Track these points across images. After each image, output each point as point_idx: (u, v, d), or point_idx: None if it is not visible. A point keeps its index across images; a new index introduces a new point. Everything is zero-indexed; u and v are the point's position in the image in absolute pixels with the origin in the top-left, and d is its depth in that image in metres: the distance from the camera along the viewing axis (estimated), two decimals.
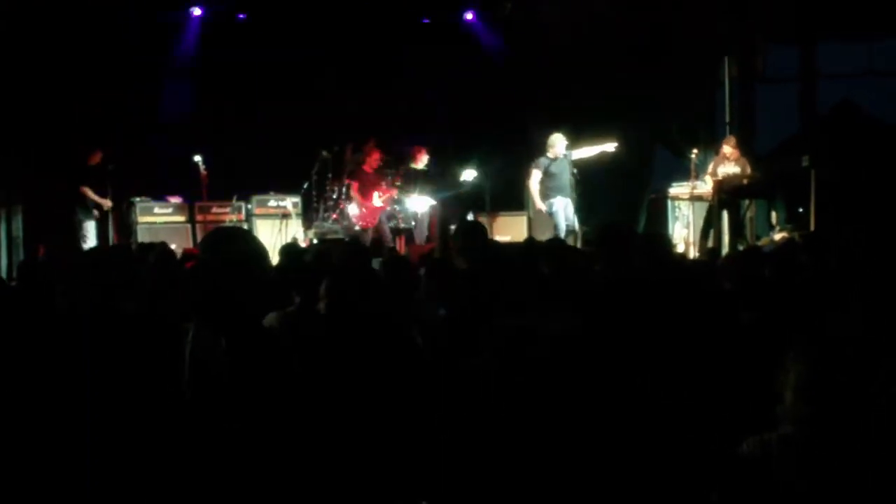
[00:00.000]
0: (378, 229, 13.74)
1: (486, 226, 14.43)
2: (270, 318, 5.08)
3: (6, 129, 13.94)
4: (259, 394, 3.18)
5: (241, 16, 15.42)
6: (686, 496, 3.69)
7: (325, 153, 14.54)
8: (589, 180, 14.06)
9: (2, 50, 13.88)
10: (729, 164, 13.62)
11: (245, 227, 14.01)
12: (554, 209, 13.23)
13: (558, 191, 13.32)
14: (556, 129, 13.63)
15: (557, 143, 13.43)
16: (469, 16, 16.06)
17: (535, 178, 13.42)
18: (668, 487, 3.80)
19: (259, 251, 3.49)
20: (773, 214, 14.17)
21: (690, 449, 3.75)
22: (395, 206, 14.02)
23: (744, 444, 3.29)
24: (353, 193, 13.96)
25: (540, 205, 13.38)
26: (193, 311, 3.37)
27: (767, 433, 3.29)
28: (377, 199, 13.82)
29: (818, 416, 3.19)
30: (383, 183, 13.95)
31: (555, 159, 13.38)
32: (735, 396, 4.10)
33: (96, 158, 13.67)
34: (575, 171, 13.49)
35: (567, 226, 13.15)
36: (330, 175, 14.65)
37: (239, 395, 3.16)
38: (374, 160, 13.95)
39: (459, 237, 6.17)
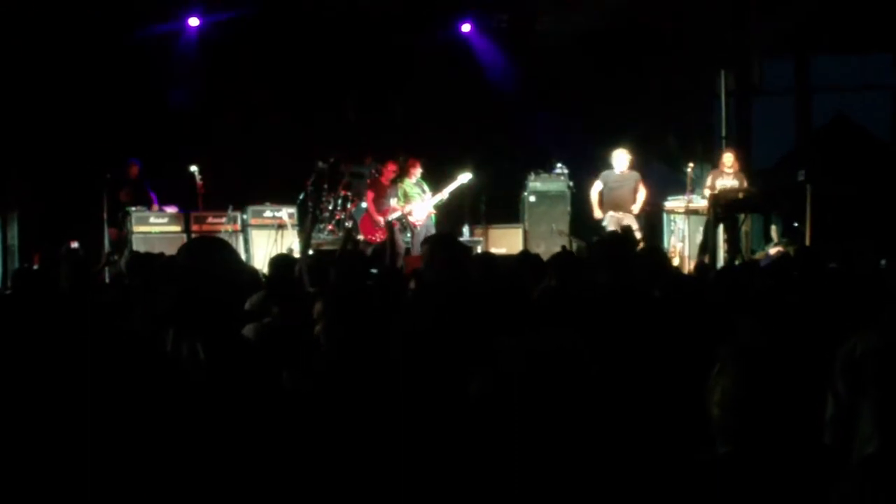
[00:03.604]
0: (392, 241, 13.68)
1: (482, 238, 14.57)
2: (247, 330, 5.06)
3: (2, 136, 13.97)
4: (236, 402, 3.17)
5: (234, 17, 15.38)
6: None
7: (320, 164, 14.54)
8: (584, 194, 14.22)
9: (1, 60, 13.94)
10: (727, 177, 13.62)
11: (241, 237, 14.05)
12: (604, 223, 13.57)
13: (611, 206, 13.70)
14: (557, 142, 13.76)
15: (616, 158, 13.76)
16: (466, 27, 16.08)
17: (595, 188, 13.85)
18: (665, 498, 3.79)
19: (238, 261, 3.48)
20: (773, 228, 14.17)
21: (680, 461, 3.75)
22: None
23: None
24: (369, 204, 13.95)
25: (598, 214, 13.80)
26: (172, 316, 3.33)
27: (706, 454, 3.27)
28: (391, 215, 13.82)
29: (746, 429, 3.18)
30: (392, 196, 13.93)
31: (618, 173, 13.74)
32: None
33: (134, 171, 13.89)
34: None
35: None
36: (326, 186, 14.64)
37: (215, 401, 3.14)
38: (389, 171, 13.96)
39: (427, 249, 6.03)
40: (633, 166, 13.90)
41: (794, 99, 16.76)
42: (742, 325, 4.74)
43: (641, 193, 13.79)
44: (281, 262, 6.93)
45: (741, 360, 3.30)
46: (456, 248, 5.99)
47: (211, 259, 3.38)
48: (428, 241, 6.37)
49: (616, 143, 14.04)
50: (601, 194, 13.83)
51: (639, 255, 6.13)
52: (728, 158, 13.79)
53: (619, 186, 13.76)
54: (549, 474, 3.52)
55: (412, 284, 5.60)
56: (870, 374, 3.76)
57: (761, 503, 3.14)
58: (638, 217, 13.73)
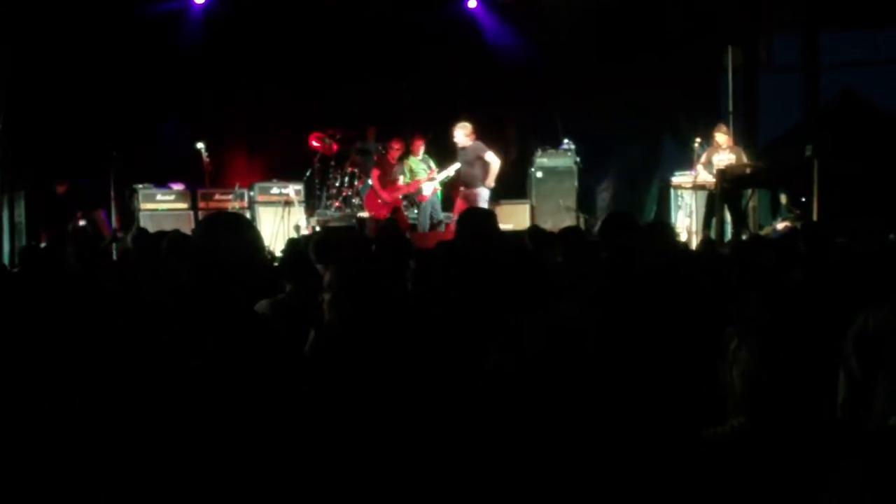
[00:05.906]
0: (398, 217, 13.71)
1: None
2: (262, 306, 5.09)
3: (11, 116, 13.97)
4: (252, 391, 3.10)
5: None
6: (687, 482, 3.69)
7: (327, 140, 14.53)
8: (599, 168, 14.06)
9: (10, 40, 13.93)
10: (723, 152, 13.55)
11: (248, 214, 14.04)
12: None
13: (461, 183, 13.45)
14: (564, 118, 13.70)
15: (456, 132, 13.42)
16: (472, 3, 15.99)
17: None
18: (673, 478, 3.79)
19: (259, 240, 3.40)
20: (782, 196, 14.07)
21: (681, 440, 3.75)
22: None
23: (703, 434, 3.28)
24: (374, 181, 13.98)
25: None
26: (186, 299, 3.25)
27: (721, 426, 3.28)
28: (396, 193, 13.91)
29: (769, 400, 3.19)
30: (398, 174, 13.97)
31: (461, 149, 13.39)
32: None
33: (62, 188, 13.89)
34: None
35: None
36: (332, 162, 14.65)
37: (227, 390, 3.08)
38: (395, 149, 13.99)
39: (461, 223, 6.03)
40: (478, 137, 13.38)
41: (802, 75, 16.67)
42: (754, 300, 4.73)
43: (493, 165, 13.22)
44: (295, 242, 7.08)
45: (760, 335, 3.30)
46: (489, 224, 5.95)
47: (223, 238, 3.29)
48: (464, 215, 6.34)
49: (624, 119, 13.96)
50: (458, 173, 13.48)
51: (644, 231, 6.08)
52: (720, 136, 13.69)
53: (462, 163, 13.34)
54: (561, 454, 3.52)
55: (412, 264, 5.54)
56: (884, 349, 3.74)
57: (773, 474, 3.15)
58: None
